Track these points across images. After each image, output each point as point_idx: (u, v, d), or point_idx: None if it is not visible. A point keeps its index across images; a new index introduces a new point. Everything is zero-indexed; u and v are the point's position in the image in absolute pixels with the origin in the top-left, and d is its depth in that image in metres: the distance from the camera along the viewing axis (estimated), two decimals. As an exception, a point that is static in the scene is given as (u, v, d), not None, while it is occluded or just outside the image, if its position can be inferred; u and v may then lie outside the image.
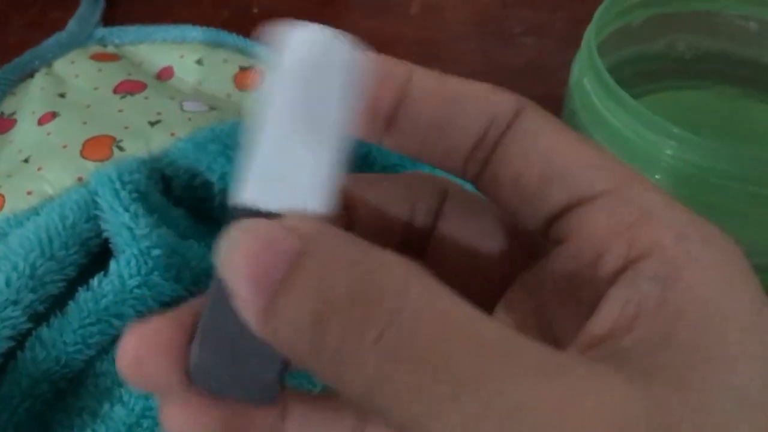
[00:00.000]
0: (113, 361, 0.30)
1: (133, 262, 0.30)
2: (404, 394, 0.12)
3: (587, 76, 0.37)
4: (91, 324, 0.29)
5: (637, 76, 0.42)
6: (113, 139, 0.37)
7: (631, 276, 0.14)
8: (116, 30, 0.48)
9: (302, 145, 0.14)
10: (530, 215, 0.16)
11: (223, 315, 0.14)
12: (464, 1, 0.54)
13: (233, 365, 0.14)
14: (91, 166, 0.36)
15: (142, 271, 0.30)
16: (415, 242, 0.19)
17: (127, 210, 0.31)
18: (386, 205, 0.19)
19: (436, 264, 0.18)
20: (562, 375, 0.13)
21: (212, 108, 0.41)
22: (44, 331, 0.29)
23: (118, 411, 0.27)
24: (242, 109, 0.42)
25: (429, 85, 0.16)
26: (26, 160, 0.37)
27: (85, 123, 0.39)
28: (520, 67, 0.49)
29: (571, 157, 0.16)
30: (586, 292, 0.15)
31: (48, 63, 0.45)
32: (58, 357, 0.29)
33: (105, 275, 0.30)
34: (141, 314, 0.30)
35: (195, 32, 0.48)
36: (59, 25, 0.48)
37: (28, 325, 0.29)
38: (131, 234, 0.30)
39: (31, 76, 0.45)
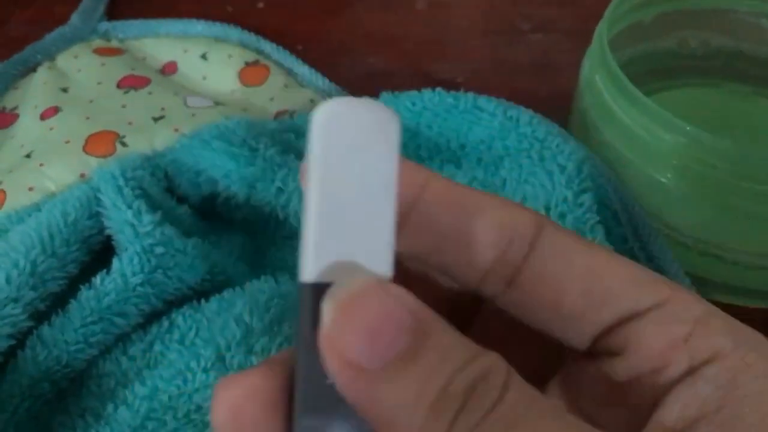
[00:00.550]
0: (116, 361, 0.29)
1: (136, 260, 0.29)
2: None
3: (599, 73, 0.36)
4: (93, 322, 0.29)
5: (649, 73, 0.42)
6: (116, 134, 0.37)
7: (690, 381, 0.16)
8: (120, 24, 0.48)
9: (358, 214, 0.15)
10: (573, 334, 0.17)
11: (317, 381, 0.15)
12: (471, -4, 0.54)
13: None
14: (93, 162, 0.35)
15: (146, 269, 0.29)
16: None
17: (130, 207, 0.30)
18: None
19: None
20: None
21: (216, 103, 0.41)
22: (45, 329, 0.28)
23: (123, 413, 0.27)
24: (247, 105, 0.42)
25: (445, 193, 0.17)
26: (28, 156, 0.37)
27: (87, 118, 0.38)
28: (528, 64, 0.48)
29: (610, 276, 0.17)
30: (643, 398, 0.16)
31: (51, 57, 0.45)
32: (60, 356, 0.28)
33: (107, 273, 0.29)
34: (144, 312, 0.30)
35: (200, 27, 0.47)
36: (62, 18, 0.48)
37: (29, 324, 0.28)
38: (134, 231, 0.30)
39: (34, 70, 0.44)
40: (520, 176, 0.34)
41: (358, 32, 0.51)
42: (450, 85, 0.38)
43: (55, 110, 0.39)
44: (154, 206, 0.31)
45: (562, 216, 0.32)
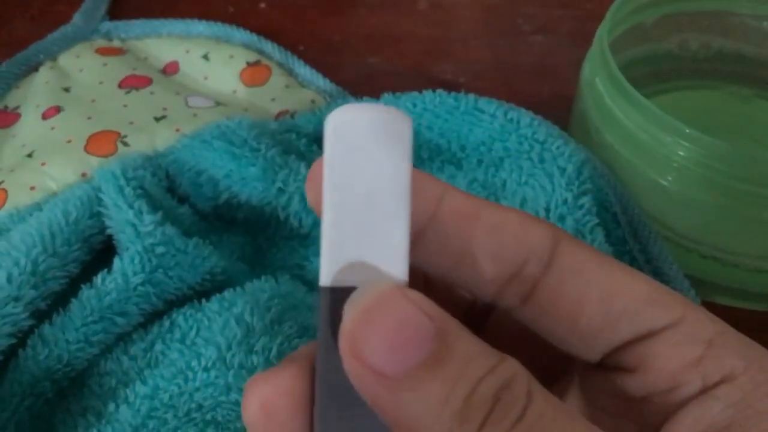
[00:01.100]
0: (117, 360, 0.29)
1: (137, 260, 0.29)
2: None
3: (599, 75, 0.36)
4: (94, 322, 0.29)
5: (649, 75, 0.42)
6: (118, 134, 0.37)
7: (702, 399, 0.16)
8: (122, 24, 0.48)
9: (373, 218, 0.15)
10: (586, 349, 0.17)
11: (337, 383, 0.15)
12: (472, -3, 0.54)
13: None
14: (95, 161, 0.35)
15: (146, 269, 0.29)
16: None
17: (131, 207, 0.30)
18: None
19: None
20: None
21: (218, 104, 0.41)
22: (46, 328, 0.29)
23: (124, 412, 0.27)
24: (248, 105, 0.42)
25: (461, 207, 0.17)
26: (30, 155, 0.37)
27: (89, 118, 0.38)
28: (529, 65, 0.48)
29: (626, 295, 0.17)
30: (654, 416, 0.17)
31: (53, 57, 0.45)
32: (61, 355, 0.28)
33: (108, 272, 0.30)
34: (145, 312, 0.30)
35: (201, 27, 0.47)
36: (64, 18, 0.48)
37: (30, 322, 0.28)
38: (135, 231, 0.30)
39: (36, 69, 0.44)
40: (521, 178, 0.34)
41: (359, 33, 0.51)
42: (451, 86, 0.38)
43: (57, 110, 0.39)
44: (155, 206, 0.31)
45: (561, 218, 0.32)
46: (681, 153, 0.33)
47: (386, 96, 0.37)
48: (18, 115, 0.41)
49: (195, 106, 0.40)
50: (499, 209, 0.17)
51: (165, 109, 0.39)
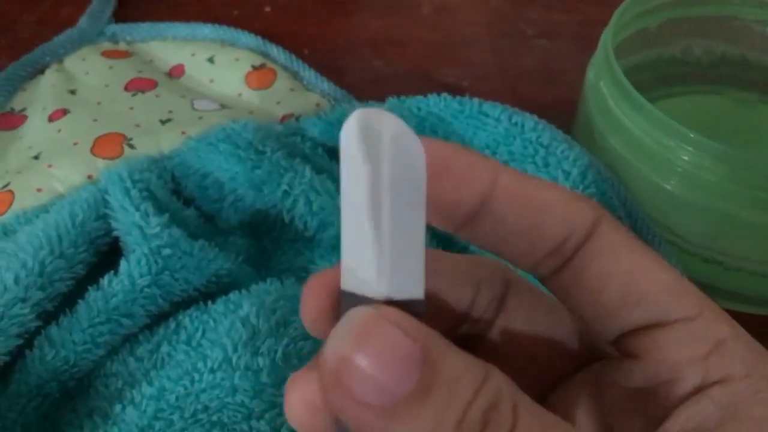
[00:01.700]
0: (123, 361, 0.29)
1: (143, 262, 0.30)
2: None
3: (603, 79, 0.36)
4: (101, 323, 0.29)
5: (653, 80, 0.42)
6: (124, 136, 0.37)
7: (697, 399, 0.16)
8: (127, 27, 0.48)
9: (389, 228, 0.15)
10: (603, 326, 0.17)
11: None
12: (476, 1, 0.54)
13: None
14: (101, 163, 0.36)
15: (153, 271, 0.30)
16: (471, 324, 0.19)
17: (137, 209, 0.31)
18: (451, 285, 0.19)
19: (495, 348, 0.19)
20: None
21: (223, 106, 0.41)
22: (53, 329, 0.29)
23: (130, 413, 0.27)
24: (253, 108, 0.42)
25: (514, 189, 0.17)
26: (36, 157, 0.37)
27: (95, 120, 0.39)
28: (533, 69, 0.49)
29: (649, 281, 0.17)
30: (656, 408, 0.17)
31: (59, 59, 0.45)
32: (67, 356, 0.28)
33: (115, 274, 0.30)
34: (150, 313, 0.30)
35: (207, 30, 0.47)
36: (70, 21, 0.48)
37: (37, 323, 0.29)
38: (141, 233, 0.30)
39: (42, 72, 0.45)
40: (525, 181, 0.34)
41: (364, 36, 0.51)
42: (455, 90, 0.38)
43: (63, 112, 0.40)
44: (161, 208, 0.32)
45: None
46: (685, 157, 0.33)
47: (391, 99, 0.38)
48: (24, 117, 0.41)
49: (200, 109, 0.40)
50: (550, 188, 0.17)
51: (171, 111, 0.39)
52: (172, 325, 0.30)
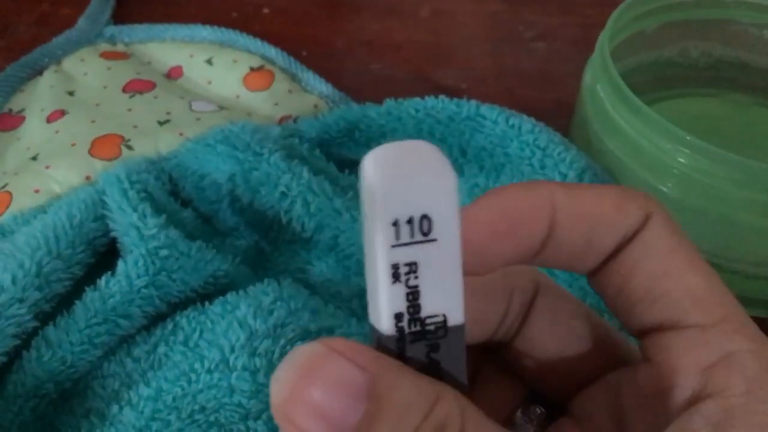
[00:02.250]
0: (121, 362, 0.29)
1: (140, 262, 0.30)
2: None
3: (600, 82, 0.36)
4: (98, 324, 0.29)
5: (650, 82, 0.42)
6: (122, 138, 0.37)
7: (691, 411, 0.16)
8: (126, 28, 0.48)
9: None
10: (627, 316, 0.17)
11: None
12: (475, 4, 0.54)
13: None
14: (99, 164, 0.36)
15: (150, 272, 0.30)
16: (501, 331, 0.19)
17: (135, 210, 0.31)
18: (489, 302, 0.19)
19: (519, 354, 0.19)
20: None
21: (221, 108, 0.41)
22: (50, 330, 0.29)
23: (127, 414, 0.27)
24: (251, 110, 0.42)
25: (572, 209, 0.17)
26: (34, 158, 0.37)
27: (93, 121, 0.39)
28: (531, 72, 0.49)
29: (675, 282, 0.17)
30: (657, 416, 0.17)
31: (57, 60, 0.45)
32: (64, 357, 0.28)
33: (112, 275, 0.30)
34: (148, 314, 0.30)
35: (205, 32, 0.47)
36: (69, 22, 0.48)
37: (34, 324, 0.29)
38: (139, 234, 0.30)
39: (40, 73, 0.45)
40: (522, 184, 0.34)
41: (362, 38, 0.51)
42: (453, 92, 0.38)
43: (62, 113, 0.40)
44: (158, 209, 0.32)
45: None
46: (681, 160, 0.33)
47: (389, 101, 0.38)
48: (22, 118, 0.41)
49: (198, 111, 0.40)
50: (598, 191, 0.17)
51: (169, 113, 0.40)
52: (170, 325, 0.30)
